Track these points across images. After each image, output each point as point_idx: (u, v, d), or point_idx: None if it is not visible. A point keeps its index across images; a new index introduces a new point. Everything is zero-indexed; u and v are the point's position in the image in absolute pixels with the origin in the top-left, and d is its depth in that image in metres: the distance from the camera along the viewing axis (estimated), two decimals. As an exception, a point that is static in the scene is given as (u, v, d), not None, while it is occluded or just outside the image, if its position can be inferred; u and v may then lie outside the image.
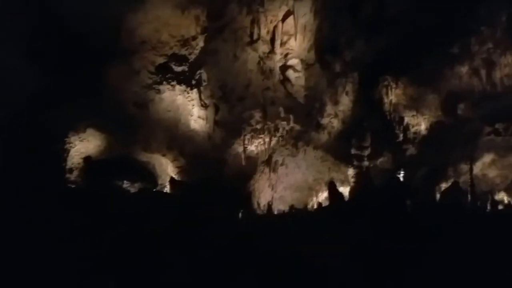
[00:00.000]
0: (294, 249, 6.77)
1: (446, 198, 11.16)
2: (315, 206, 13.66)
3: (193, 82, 12.53)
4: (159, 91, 12.29)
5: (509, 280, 5.64)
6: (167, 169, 12.96)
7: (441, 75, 13.81)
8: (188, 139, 12.90)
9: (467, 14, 12.67)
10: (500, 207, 12.38)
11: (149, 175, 12.72)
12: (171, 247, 6.65)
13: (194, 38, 12.12)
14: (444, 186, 12.96)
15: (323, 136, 14.68)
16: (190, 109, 12.90)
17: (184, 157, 12.71)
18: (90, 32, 10.89)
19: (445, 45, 13.35)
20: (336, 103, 14.63)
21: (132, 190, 11.83)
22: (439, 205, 10.98)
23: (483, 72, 13.36)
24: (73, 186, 11.35)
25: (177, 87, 12.35)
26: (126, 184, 12.03)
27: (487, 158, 13.41)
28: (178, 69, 12.27)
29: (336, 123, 14.75)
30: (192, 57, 12.34)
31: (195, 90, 12.66)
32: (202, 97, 12.92)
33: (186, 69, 12.34)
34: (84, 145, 11.96)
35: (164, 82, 12.23)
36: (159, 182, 12.87)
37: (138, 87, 12.26)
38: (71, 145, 11.69)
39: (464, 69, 13.57)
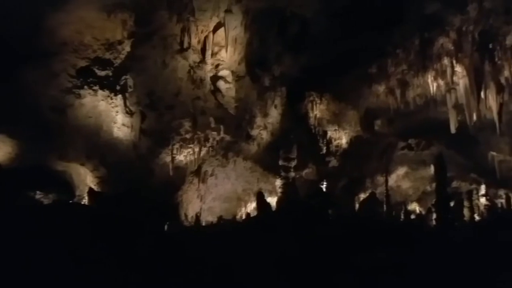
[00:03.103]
0: (222, 259, 6.70)
1: (364, 207, 11.86)
2: (244, 217, 13.71)
3: (118, 87, 11.99)
4: (79, 96, 11.60)
5: (421, 284, 6.09)
6: (85, 179, 12.23)
7: (360, 93, 14.86)
8: (110, 148, 12.30)
9: (384, 37, 13.75)
10: (412, 216, 13.42)
11: (65, 186, 11.94)
12: (90, 263, 6.20)
13: (120, 42, 11.65)
14: (362, 196, 13.80)
15: (253, 147, 14.88)
16: (113, 116, 12.31)
17: (105, 166, 12.09)
18: (5, 31, 10.05)
19: (364, 65, 14.36)
20: (265, 115, 14.96)
21: (46, 201, 10.96)
22: (357, 215, 11.62)
23: (397, 92, 14.53)
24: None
25: (100, 92, 11.74)
26: (39, 195, 11.18)
27: (401, 171, 14.57)
28: (102, 73, 11.69)
29: (265, 135, 15.05)
30: (117, 62, 11.84)
31: (119, 96, 12.10)
32: (127, 104, 12.37)
33: (110, 74, 11.79)
34: (-9, 152, 10.87)
35: (86, 87, 11.56)
36: (77, 193, 12.11)
37: (56, 91, 11.48)
38: (-24, 152, 10.58)
39: (381, 88, 14.68)
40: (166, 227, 11.35)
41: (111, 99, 12.08)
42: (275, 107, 15.10)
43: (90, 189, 11.62)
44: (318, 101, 15.18)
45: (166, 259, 6.91)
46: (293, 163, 14.30)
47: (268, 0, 13.49)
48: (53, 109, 11.45)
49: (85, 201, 11.55)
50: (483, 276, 6.13)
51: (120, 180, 11.81)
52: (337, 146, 15.21)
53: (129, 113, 12.51)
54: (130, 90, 12.31)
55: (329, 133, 15.22)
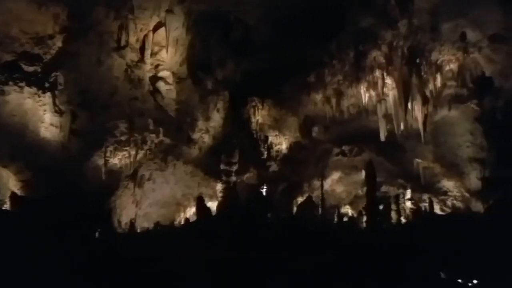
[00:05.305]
0: (158, 266, 6.55)
1: (301, 210, 12.24)
2: (183, 222, 13.45)
3: (47, 85, 11.34)
4: (3, 93, 10.89)
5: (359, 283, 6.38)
6: (8, 182, 11.36)
7: (300, 100, 15.40)
8: (36, 149, 11.54)
9: (322, 48, 14.35)
10: (345, 219, 14.01)
11: (-16, 190, 10.99)
12: (16, 272, 5.74)
13: (51, 37, 11.05)
14: (300, 199, 14.20)
15: (194, 151, 14.67)
16: (41, 114, 11.61)
17: (30, 169, 11.32)
18: None
19: (303, 74, 14.87)
20: (207, 119, 14.86)
21: (-39, 207, 10.07)
22: (295, 218, 11.95)
23: (333, 100, 15.20)
24: None
25: (26, 89, 11.06)
26: (-46, 200, 10.23)
27: (335, 175, 15.16)
28: (29, 69, 11.04)
29: (207, 139, 14.93)
30: (47, 58, 11.21)
31: (48, 94, 11.45)
32: (57, 102, 11.71)
33: (39, 70, 11.15)
34: None
35: (10, 83, 10.86)
36: (-3, 198, 11.19)
37: (-23, 87, 10.63)
38: None
39: (318, 97, 15.28)
40: (97, 234, 10.88)
41: (39, 96, 11.42)
42: (218, 111, 15.06)
43: (13, 194, 10.92)
44: (260, 107, 15.48)
45: (97, 266, 6.58)
46: (235, 168, 14.35)
47: (211, 3, 13.49)
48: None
49: (7, 206, 10.81)
50: (410, 274, 6.59)
51: (47, 184, 11.12)
52: (277, 151, 15.56)
53: (58, 112, 11.83)
54: (60, 87, 11.67)
55: (270, 138, 15.54)
